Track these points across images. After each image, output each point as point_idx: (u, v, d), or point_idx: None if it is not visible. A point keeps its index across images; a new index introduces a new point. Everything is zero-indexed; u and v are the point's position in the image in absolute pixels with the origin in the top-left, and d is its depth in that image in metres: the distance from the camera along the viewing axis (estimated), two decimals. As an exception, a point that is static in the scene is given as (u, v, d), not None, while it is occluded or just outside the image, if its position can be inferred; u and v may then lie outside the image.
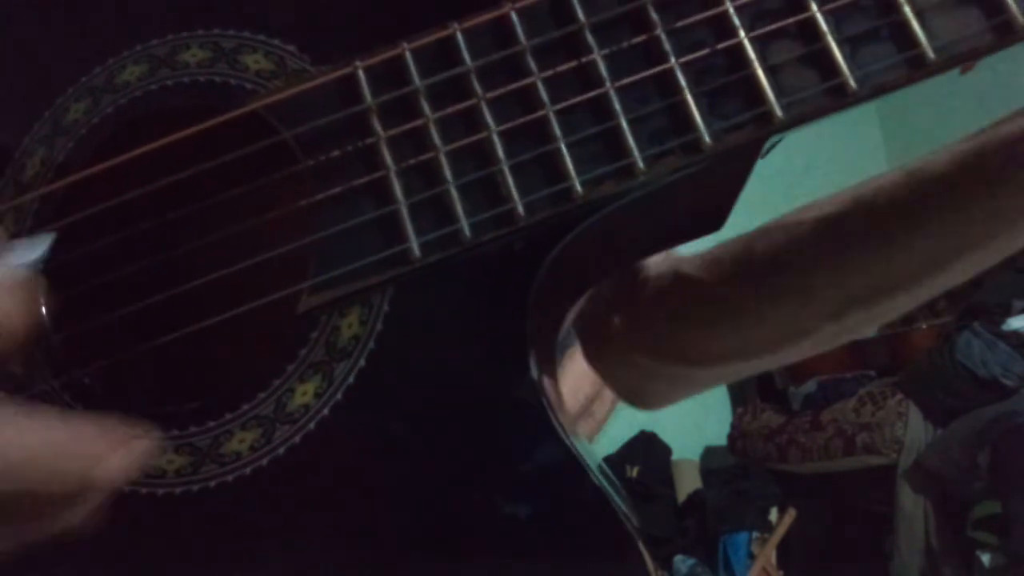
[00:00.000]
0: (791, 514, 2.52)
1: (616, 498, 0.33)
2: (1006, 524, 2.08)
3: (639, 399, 0.68)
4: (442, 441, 0.35)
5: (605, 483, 0.33)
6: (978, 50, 0.29)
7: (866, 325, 0.53)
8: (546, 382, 0.34)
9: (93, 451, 0.29)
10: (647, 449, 2.65)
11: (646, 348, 0.60)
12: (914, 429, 2.38)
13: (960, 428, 2.25)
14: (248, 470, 0.36)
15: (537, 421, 0.33)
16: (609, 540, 0.32)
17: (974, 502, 2.20)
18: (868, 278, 0.49)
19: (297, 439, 0.35)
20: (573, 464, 0.32)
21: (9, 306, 0.30)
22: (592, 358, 0.65)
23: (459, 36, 0.34)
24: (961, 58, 0.29)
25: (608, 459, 2.62)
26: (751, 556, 2.40)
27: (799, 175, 2.96)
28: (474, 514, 0.34)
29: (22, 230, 0.41)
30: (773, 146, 0.37)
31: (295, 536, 0.36)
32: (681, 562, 2.32)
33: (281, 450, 0.36)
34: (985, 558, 2.17)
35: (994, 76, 2.80)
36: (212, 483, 0.36)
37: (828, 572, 2.60)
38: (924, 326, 2.81)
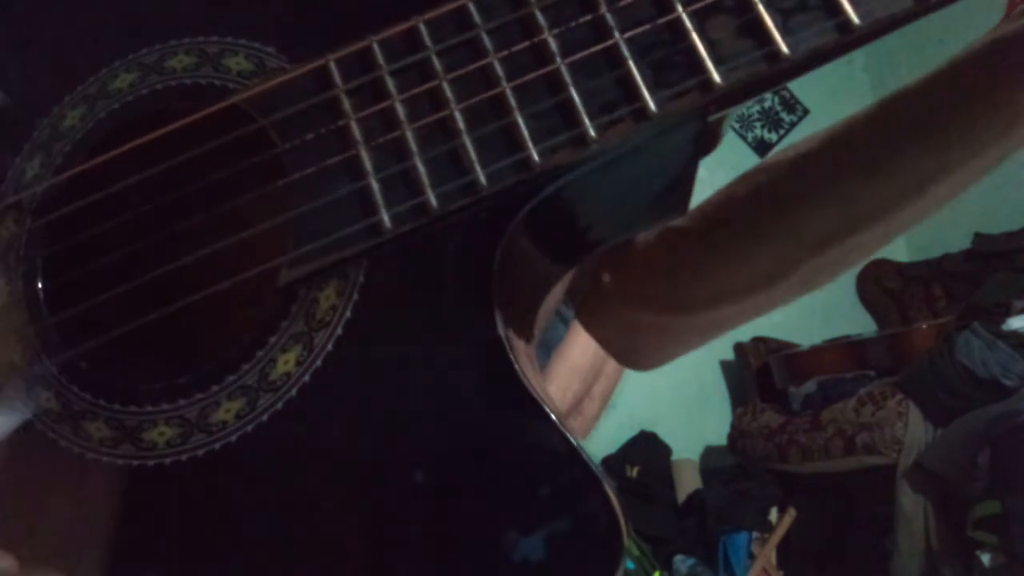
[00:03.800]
0: (791, 514, 2.52)
1: (584, 454, 0.35)
2: (1006, 524, 2.07)
3: (633, 357, 0.69)
4: (417, 399, 0.37)
5: (573, 439, 0.35)
6: (899, 16, 0.31)
7: (851, 258, 0.54)
8: (515, 341, 0.36)
9: None
10: (647, 449, 2.66)
11: (636, 301, 0.61)
12: (914, 429, 2.37)
13: (960, 428, 2.24)
14: (234, 437, 0.38)
15: (502, 375, 0.35)
16: (574, 484, 0.34)
17: (974, 502, 2.19)
18: (847, 209, 0.49)
19: (280, 405, 0.37)
20: (542, 414, 0.34)
21: None
22: (586, 321, 0.66)
23: (421, 26, 0.36)
24: (886, 23, 0.31)
25: (608, 459, 2.63)
26: (751, 556, 2.40)
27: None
28: (452, 470, 0.36)
29: (24, 228, 0.43)
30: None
31: (281, 498, 0.38)
32: (681, 562, 2.32)
33: (265, 417, 0.37)
34: (985, 558, 2.16)
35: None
36: (200, 452, 0.38)
37: (828, 572, 2.59)
38: (924, 326, 2.81)
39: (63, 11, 0.45)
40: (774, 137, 3.59)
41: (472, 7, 0.35)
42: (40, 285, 0.42)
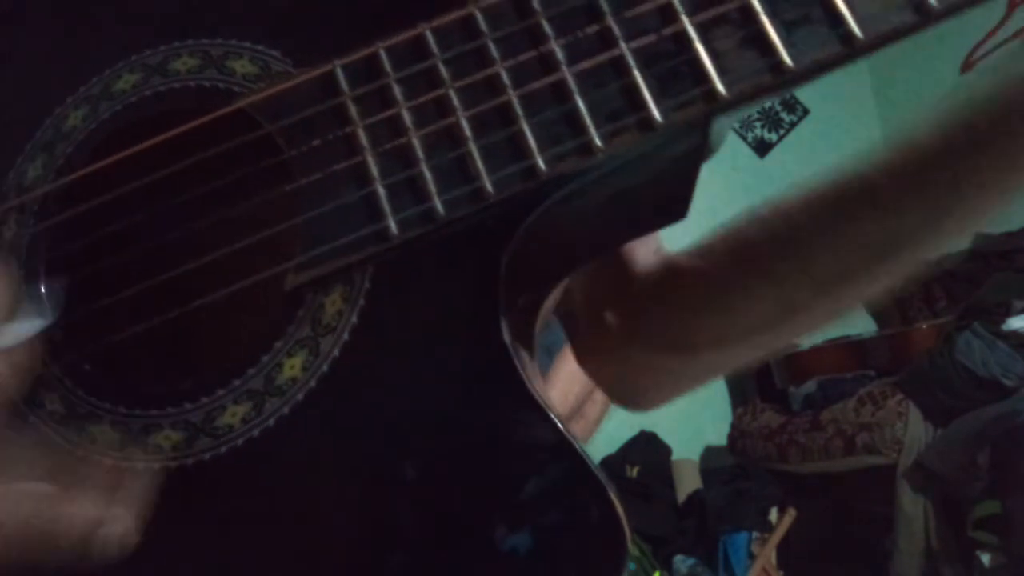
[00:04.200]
0: (791, 514, 2.53)
1: (588, 460, 0.35)
2: (1006, 524, 2.08)
3: (632, 398, 0.68)
4: (423, 404, 0.37)
5: (577, 445, 0.35)
6: (901, 29, 0.31)
7: (862, 295, 0.52)
8: (518, 346, 0.36)
9: (88, 517, 0.33)
10: (647, 449, 2.67)
11: (640, 341, 0.60)
12: (914, 429, 2.38)
13: (960, 428, 2.25)
14: (240, 441, 0.38)
15: (508, 380, 0.35)
16: (578, 489, 0.34)
17: (974, 502, 2.20)
18: (861, 247, 0.48)
19: (286, 410, 0.38)
20: (545, 419, 0.35)
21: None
22: (583, 358, 0.65)
23: (428, 34, 0.37)
24: (889, 36, 0.31)
25: (608, 459, 2.64)
26: (751, 556, 2.40)
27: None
28: (456, 475, 0.36)
29: (25, 229, 0.43)
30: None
31: (287, 502, 0.38)
32: (681, 562, 2.33)
33: (271, 421, 0.38)
34: (985, 558, 2.17)
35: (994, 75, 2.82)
36: (207, 455, 0.38)
37: (828, 572, 2.60)
38: (924, 326, 2.82)
39: (66, 11, 0.45)
40: (774, 137, 3.60)
41: (479, 16, 0.36)
42: (43, 288, 0.42)
